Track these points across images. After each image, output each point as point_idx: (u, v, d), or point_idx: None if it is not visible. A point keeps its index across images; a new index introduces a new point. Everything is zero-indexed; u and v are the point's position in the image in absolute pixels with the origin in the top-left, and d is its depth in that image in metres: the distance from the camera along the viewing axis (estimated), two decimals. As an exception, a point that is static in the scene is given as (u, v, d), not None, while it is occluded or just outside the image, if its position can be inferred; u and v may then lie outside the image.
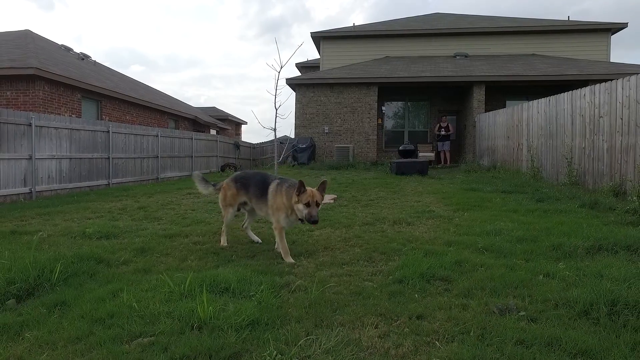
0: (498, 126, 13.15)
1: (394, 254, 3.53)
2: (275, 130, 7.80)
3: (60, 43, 19.02)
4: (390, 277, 2.92)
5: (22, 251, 3.45)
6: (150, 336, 1.94)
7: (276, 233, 3.55)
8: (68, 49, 18.84)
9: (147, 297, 2.38)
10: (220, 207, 4.03)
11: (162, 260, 3.41)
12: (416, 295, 2.53)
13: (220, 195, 4.02)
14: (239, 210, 4.05)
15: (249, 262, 3.35)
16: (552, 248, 3.46)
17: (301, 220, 3.36)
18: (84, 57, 18.90)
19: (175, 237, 4.30)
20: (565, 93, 8.68)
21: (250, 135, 74.83)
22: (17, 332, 2.04)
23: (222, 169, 18.54)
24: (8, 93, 11.78)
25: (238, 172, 4.16)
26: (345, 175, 12.11)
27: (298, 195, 3.31)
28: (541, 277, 2.78)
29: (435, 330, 2.06)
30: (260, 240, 4.09)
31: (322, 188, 3.42)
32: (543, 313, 2.19)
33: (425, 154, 15.94)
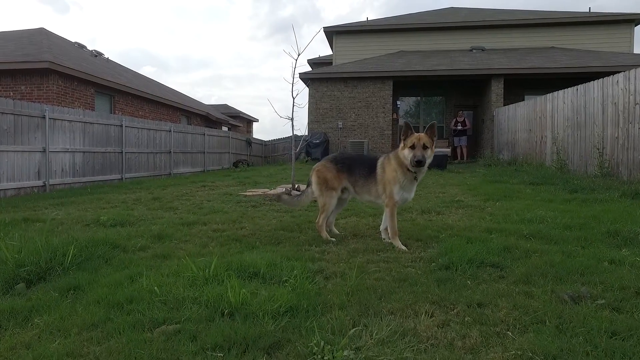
0: (519, 119, 12.72)
1: (431, 241, 3.24)
2: (292, 119, 7.55)
3: (74, 41, 19.07)
4: (434, 263, 2.63)
5: (33, 235, 3.25)
6: (176, 323, 1.69)
7: (387, 211, 3.18)
8: (81, 46, 18.87)
9: (169, 282, 2.13)
10: (317, 193, 3.38)
11: (181, 246, 3.17)
12: (468, 282, 2.25)
13: (315, 179, 3.40)
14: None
15: (274, 248, 3.09)
16: (607, 234, 3.14)
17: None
18: (97, 54, 18.91)
19: (194, 224, 4.06)
20: (595, 81, 8.26)
21: (262, 134, 74.82)
22: (26, 318, 1.81)
23: (235, 165, 18.36)
24: (22, 87, 11.74)
25: (333, 154, 3.59)
26: (361, 170, 11.81)
27: (404, 139, 3.01)
28: (606, 263, 2.47)
29: (502, 320, 1.77)
30: (338, 233, 3.63)
31: (431, 131, 3.05)
32: (625, 302, 1.90)
33: (442, 150, 15.52)
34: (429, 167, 10.57)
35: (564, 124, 9.55)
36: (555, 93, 10.12)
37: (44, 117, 8.75)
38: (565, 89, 9.57)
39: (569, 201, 5.07)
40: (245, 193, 6.70)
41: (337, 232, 3.64)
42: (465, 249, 2.70)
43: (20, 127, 8.26)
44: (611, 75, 7.69)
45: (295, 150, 7.28)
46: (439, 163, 11.22)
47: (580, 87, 8.88)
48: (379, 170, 3.25)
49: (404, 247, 3.08)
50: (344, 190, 3.46)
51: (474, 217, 4.31)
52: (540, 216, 3.95)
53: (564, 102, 9.56)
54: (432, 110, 18.41)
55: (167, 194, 7.05)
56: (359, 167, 3.38)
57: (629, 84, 7.11)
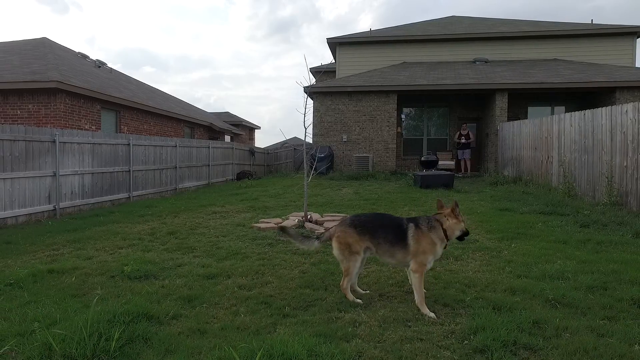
0: (524, 136, 12.81)
1: (458, 306, 3.30)
2: (304, 146, 7.64)
3: (77, 50, 19.10)
4: (466, 342, 2.70)
5: (67, 302, 3.29)
6: None
7: (416, 278, 3.26)
8: (84, 57, 18.91)
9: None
10: (339, 258, 3.48)
11: (213, 313, 3.22)
12: (506, 373, 2.31)
13: (337, 245, 3.44)
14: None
15: (305, 316, 3.14)
16: (631, 302, 3.21)
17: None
18: (100, 65, 18.94)
19: (217, 277, 4.11)
20: (604, 108, 8.35)
21: (261, 135, 74.95)
22: None
23: (239, 177, 18.41)
24: (30, 106, 11.76)
25: (350, 216, 3.66)
26: (367, 188, 11.87)
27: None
28: (637, 347, 2.54)
29: None
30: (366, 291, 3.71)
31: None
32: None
33: (445, 162, 15.64)
34: (437, 187, 10.54)
35: (570, 147, 9.63)
36: (562, 115, 10.21)
37: (54, 142, 8.80)
38: (573, 113, 9.65)
39: (584, 243, 5.13)
40: (258, 225, 6.75)
41: (362, 291, 3.69)
42: (496, 326, 2.76)
43: (31, 153, 8.31)
44: (620, 105, 7.77)
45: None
46: (446, 182, 11.29)
47: (588, 112, 8.96)
48: (411, 241, 3.29)
49: (432, 315, 3.14)
50: (366, 250, 3.50)
51: (492, 266, 4.37)
52: (560, 270, 4.01)
53: (571, 125, 9.64)
54: (435, 122, 18.49)
55: (181, 224, 7.09)
56: (382, 230, 3.40)
57: (638, 115, 7.19)
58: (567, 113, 9.99)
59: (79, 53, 19.02)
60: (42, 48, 15.93)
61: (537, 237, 5.57)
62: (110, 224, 7.26)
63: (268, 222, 6.96)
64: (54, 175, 8.81)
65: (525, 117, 16.60)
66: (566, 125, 9.92)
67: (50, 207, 8.71)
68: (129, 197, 11.18)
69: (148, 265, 4.44)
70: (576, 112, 9.51)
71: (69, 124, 12.01)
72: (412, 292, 3.64)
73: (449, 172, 12.00)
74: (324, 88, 16.64)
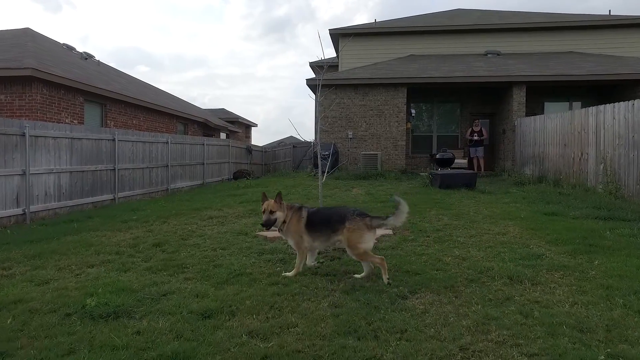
0: (549, 132, 11.72)
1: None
2: (317, 141, 6.47)
3: (62, 42, 17.76)
4: None
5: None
6: None
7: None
8: (70, 48, 17.59)
9: None
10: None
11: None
12: None
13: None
14: None
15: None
16: None
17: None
18: (87, 57, 17.63)
19: (216, 315, 2.93)
20: (660, 96, 7.26)
21: (256, 134, 73.49)
22: None
23: (235, 176, 17.17)
24: (2, 97, 10.47)
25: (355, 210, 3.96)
26: (379, 188, 10.72)
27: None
28: None
29: None
30: None
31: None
32: None
33: (460, 161, 14.51)
34: (458, 187, 9.33)
35: (614, 142, 8.52)
36: (602, 107, 9.11)
37: (23, 135, 7.56)
38: (616, 104, 8.56)
39: (687, 260, 4.01)
40: (265, 234, 5.56)
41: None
42: None
43: (-6, 148, 7.06)
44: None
45: (322, 177, 6.16)
46: (468, 182, 10.16)
47: (637, 102, 7.87)
48: None
49: None
50: None
51: (591, 295, 3.23)
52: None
53: (614, 118, 8.54)
54: (445, 118, 17.38)
55: (170, 233, 5.88)
56: None
57: None
58: (607, 104, 8.90)
59: (64, 44, 17.68)
60: (23, 37, 14.61)
61: (618, 250, 4.44)
62: (85, 231, 6.04)
63: (276, 230, 5.77)
64: (24, 173, 7.57)
65: (542, 113, 15.51)
66: (607, 117, 8.82)
67: (19, 210, 7.48)
68: (114, 199, 9.95)
69: (122, 294, 3.25)
70: (621, 102, 8.42)
71: (47, 117, 10.74)
72: (505, 344, 2.50)
73: (471, 171, 10.90)
74: (329, 80, 15.41)
